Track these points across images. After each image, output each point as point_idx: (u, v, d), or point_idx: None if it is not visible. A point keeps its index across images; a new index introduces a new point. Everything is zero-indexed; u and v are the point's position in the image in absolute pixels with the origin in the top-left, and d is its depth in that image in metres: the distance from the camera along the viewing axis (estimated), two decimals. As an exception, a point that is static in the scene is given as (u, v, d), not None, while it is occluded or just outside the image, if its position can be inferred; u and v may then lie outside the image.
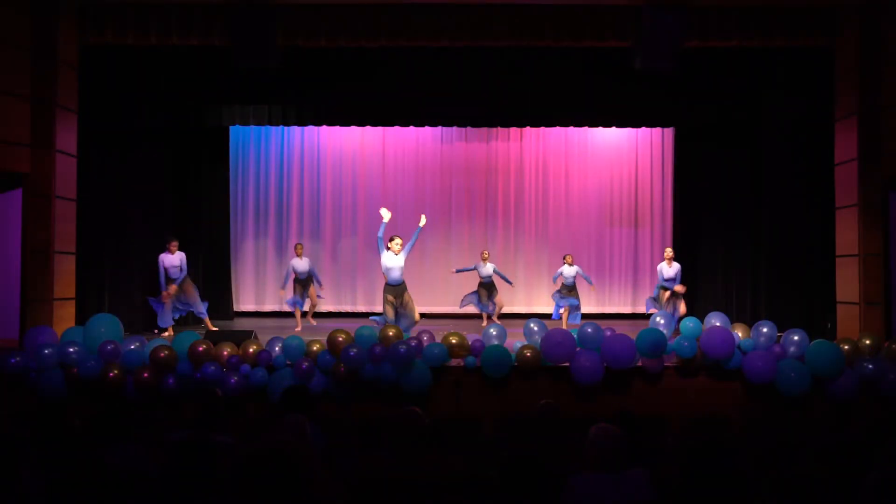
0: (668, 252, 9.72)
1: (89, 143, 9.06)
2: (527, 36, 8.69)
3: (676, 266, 9.59)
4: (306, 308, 10.74)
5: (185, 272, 9.53)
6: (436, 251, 12.59)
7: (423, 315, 11.50)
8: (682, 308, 9.58)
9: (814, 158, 9.67)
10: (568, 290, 10.45)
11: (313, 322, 10.81)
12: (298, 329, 10.04)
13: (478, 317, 11.36)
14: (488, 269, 10.79)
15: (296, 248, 10.59)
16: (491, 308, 10.87)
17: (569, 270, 10.43)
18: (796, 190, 9.88)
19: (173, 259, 9.45)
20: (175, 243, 9.50)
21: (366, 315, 12.28)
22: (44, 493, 2.97)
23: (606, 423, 3.30)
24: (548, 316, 10.44)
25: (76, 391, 6.76)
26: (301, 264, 10.41)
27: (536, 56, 9.66)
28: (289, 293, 10.63)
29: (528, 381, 7.04)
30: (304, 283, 10.47)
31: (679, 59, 8.42)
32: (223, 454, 3.08)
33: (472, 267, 10.95)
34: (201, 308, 9.75)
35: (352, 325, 7.58)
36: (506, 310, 11.88)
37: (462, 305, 11.02)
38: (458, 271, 11.18)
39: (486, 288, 10.83)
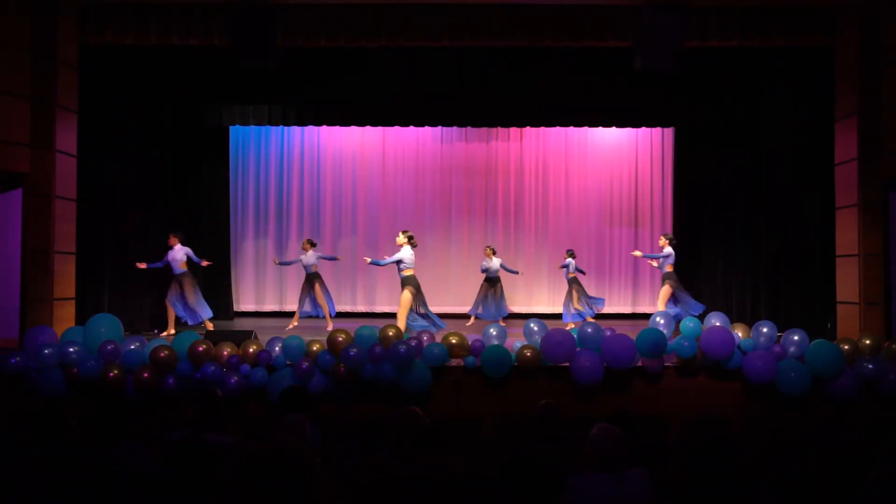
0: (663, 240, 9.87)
1: (89, 143, 9.06)
2: (527, 36, 8.69)
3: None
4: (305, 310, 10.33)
5: (184, 270, 9.37)
6: (436, 251, 12.58)
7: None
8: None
9: (814, 158, 9.67)
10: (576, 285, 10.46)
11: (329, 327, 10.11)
12: (293, 325, 10.05)
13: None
14: (495, 263, 10.79)
15: (304, 244, 10.37)
16: (498, 312, 10.82)
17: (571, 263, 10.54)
18: (796, 190, 9.88)
19: (173, 253, 9.35)
20: (171, 237, 9.39)
21: (366, 315, 12.31)
22: (44, 493, 2.97)
23: (601, 423, 3.30)
24: (548, 316, 10.43)
25: (76, 391, 6.77)
26: (308, 258, 10.25)
27: (536, 56, 9.66)
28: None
29: (528, 381, 7.04)
30: (310, 279, 10.27)
31: (679, 59, 8.42)
32: (222, 454, 3.08)
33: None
34: (198, 314, 9.38)
35: (352, 325, 7.58)
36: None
37: (474, 313, 10.97)
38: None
39: (492, 284, 10.80)
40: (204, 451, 2.91)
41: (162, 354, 6.70)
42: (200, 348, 6.79)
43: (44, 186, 8.02)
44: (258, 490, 2.54)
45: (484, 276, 11.00)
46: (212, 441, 3.35)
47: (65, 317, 8.23)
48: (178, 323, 9.72)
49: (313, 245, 10.35)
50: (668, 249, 9.67)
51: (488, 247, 11.09)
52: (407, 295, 8.46)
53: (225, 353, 6.89)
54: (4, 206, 8.08)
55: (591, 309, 10.34)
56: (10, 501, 2.91)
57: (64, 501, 2.98)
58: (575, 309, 10.29)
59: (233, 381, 6.65)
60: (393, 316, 11.25)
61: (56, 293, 8.10)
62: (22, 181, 7.97)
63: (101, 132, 9.42)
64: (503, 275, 10.98)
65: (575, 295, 10.37)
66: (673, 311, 9.32)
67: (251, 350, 6.97)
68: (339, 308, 12.50)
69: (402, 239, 8.63)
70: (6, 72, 7.76)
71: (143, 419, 5.88)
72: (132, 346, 7.00)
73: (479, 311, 10.91)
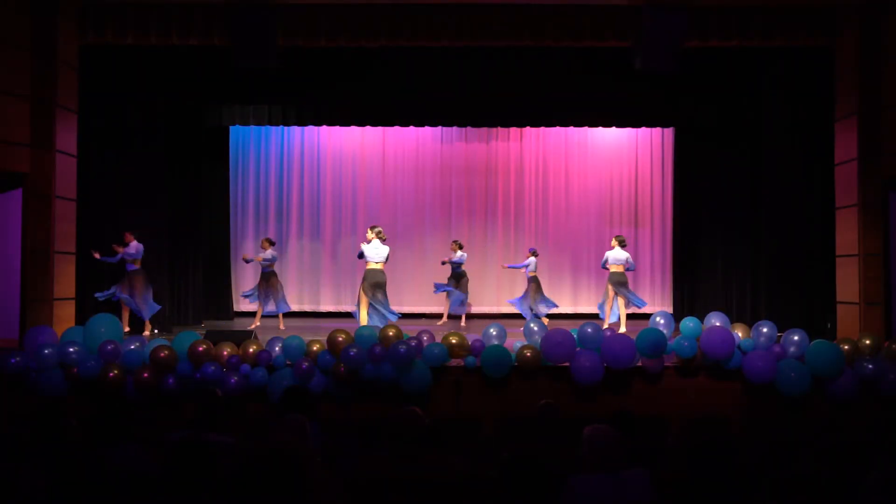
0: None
1: (89, 143, 9.05)
2: (527, 36, 8.69)
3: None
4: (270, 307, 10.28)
5: (136, 267, 9.20)
6: (436, 251, 12.57)
7: (423, 315, 11.55)
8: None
9: (814, 158, 9.67)
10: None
11: (282, 326, 10.25)
12: (256, 325, 10.02)
13: (480, 316, 11.36)
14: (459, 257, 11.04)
15: (264, 242, 10.40)
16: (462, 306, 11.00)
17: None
18: (796, 190, 9.87)
19: (128, 249, 9.14)
20: (127, 234, 9.17)
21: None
22: (44, 493, 2.97)
23: (601, 423, 3.29)
24: (548, 316, 10.42)
25: (76, 391, 6.76)
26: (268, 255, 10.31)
27: (536, 56, 9.66)
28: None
29: (528, 381, 7.04)
30: (269, 276, 10.28)
31: (679, 59, 8.42)
32: (221, 454, 3.08)
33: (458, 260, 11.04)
34: (144, 312, 9.25)
35: (352, 326, 7.58)
36: (506, 310, 11.90)
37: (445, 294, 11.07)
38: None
39: (457, 278, 10.95)
40: (204, 451, 2.91)
41: (162, 354, 6.70)
42: (200, 348, 6.79)
43: (44, 186, 8.02)
44: (258, 490, 2.54)
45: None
46: (212, 441, 3.35)
47: (65, 317, 8.22)
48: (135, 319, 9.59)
49: (272, 243, 10.37)
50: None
51: (455, 241, 11.18)
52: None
53: (225, 353, 6.88)
54: (4, 206, 8.07)
55: (543, 309, 10.46)
56: (10, 501, 2.91)
57: (64, 501, 2.98)
58: (530, 307, 10.42)
59: (233, 381, 6.65)
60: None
61: (56, 293, 8.09)
62: (22, 181, 7.96)
63: (101, 132, 9.41)
64: (470, 267, 11.24)
65: (532, 295, 10.48)
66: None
67: (251, 350, 6.97)
68: (340, 308, 12.53)
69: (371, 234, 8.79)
70: (6, 72, 7.75)
71: (143, 419, 5.89)
72: (132, 346, 7.00)
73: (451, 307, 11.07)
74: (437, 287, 10.98)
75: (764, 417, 6.70)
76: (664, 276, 12.64)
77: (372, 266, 8.70)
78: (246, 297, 10.65)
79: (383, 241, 8.79)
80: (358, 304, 8.81)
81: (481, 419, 6.17)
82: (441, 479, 3.49)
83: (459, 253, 10.94)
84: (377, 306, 8.62)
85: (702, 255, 11.27)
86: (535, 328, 7.53)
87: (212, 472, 2.90)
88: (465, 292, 10.97)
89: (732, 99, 10.39)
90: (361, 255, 8.74)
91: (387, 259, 8.76)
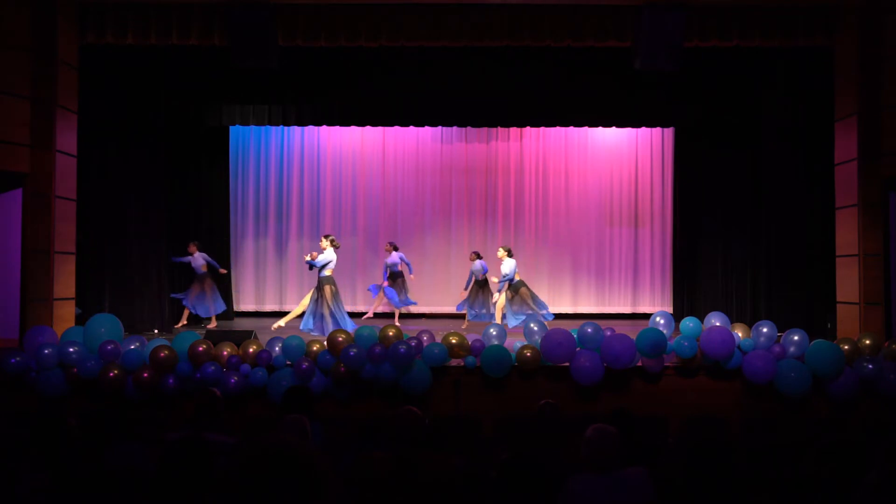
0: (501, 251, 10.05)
1: (89, 143, 9.05)
2: (527, 36, 8.68)
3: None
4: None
5: None
6: (436, 251, 12.59)
7: (423, 315, 11.56)
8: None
9: (814, 158, 9.67)
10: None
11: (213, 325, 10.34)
12: (183, 323, 10.31)
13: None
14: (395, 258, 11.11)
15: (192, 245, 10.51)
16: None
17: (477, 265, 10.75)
18: (796, 190, 9.87)
19: None
20: None
21: (363, 315, 12.32)
22: (44, 493, 2.97)
23: (604, 423, 3.29)
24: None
25: (76, 391, 6.77)
26: (197, 259, 10.40)
27: (536, 56, 9.66)
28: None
29: (528, 381, 7.04)
30: (201, 279, 10.37)
31: (679, 59, 8.41)
32: (220, 453, 3.08)
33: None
34: None
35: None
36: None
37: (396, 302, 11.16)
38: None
39: (394, 278, 11.10)
40: (202, 451, 2.91)
41: (162, 354, 6.70)
42: (200, 348, 6.80)
43: (44, 186, 8.01)
44: (258, 490, 2.53)
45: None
46: (211, 441, 3.35)
47: (65, 317, 8.22)
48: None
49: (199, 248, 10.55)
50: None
51: (390, 243, 11.35)
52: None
53: (225, 353, 6.89)
54: (4, 206, 8.07)
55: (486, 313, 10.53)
56: (11, 501, 2.91)
57: (64, 501, 2.98)
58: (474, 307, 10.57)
59: (233, 381, 6.66)
60: (392, 316, 11.32)
61: (56, 293, 8.08)
62: (22, 181, 7.96)
63: (101, 132, 9.41)
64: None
65: (475, 297, 10.59)
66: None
67: (251, 350, 6.97)
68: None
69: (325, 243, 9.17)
70: (6, 72, 7.75)
71: (142, 419, 5.89)
72: (132, 346, 7.00)
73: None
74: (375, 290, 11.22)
75: (764, 417, 6.70)
76: (664, 276, 12.64)
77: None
78: (177, 297, 10.51)
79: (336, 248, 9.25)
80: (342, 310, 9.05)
81: (481, 419, 6.17)
82: (441, 479, 3.49)
83: (395, 254, 11.14)
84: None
85: (702, 255, 11.27)
86: (535, 328, 7.54)
87: (209, 471, 2.90)
88: (405, 290, 11.19)
89: (732, 99, 10.39)
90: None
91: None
